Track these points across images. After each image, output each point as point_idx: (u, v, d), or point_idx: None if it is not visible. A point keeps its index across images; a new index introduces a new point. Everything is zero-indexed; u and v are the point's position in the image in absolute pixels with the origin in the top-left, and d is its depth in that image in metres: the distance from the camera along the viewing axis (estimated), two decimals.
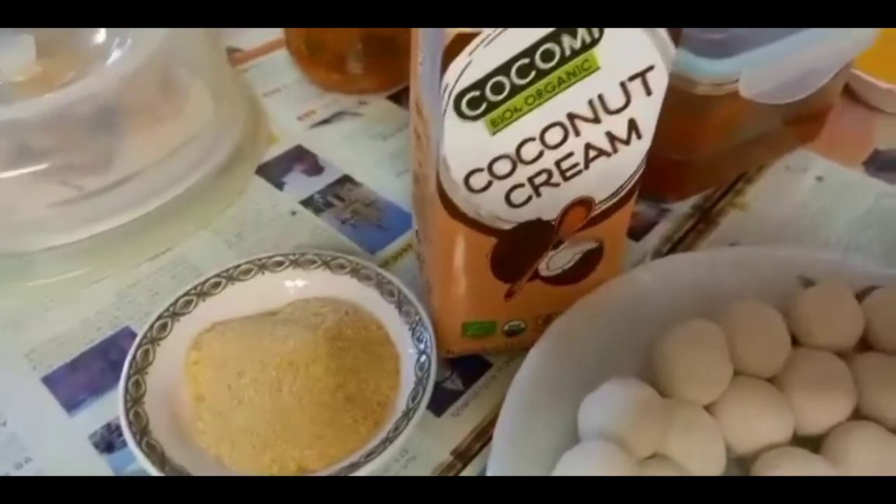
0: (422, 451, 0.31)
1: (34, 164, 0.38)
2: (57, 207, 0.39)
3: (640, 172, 0.29)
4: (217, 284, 0.33)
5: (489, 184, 0.27)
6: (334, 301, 0.33)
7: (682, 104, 0.38)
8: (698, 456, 0.28)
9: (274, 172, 0.45)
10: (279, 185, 0.44)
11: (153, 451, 0.27)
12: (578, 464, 0.26)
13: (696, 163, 0.42)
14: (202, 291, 0.33)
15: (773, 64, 0.37)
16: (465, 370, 0.34)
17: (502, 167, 0.27)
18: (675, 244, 0.42)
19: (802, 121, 0.46)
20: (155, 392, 0.29)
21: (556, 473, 0.26)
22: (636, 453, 0.27)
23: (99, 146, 0.41)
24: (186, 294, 0.33)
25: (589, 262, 0.31)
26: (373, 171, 0.45)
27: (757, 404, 0.29)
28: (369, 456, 0.27)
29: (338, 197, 0.44)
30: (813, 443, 0.29)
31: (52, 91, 0.39)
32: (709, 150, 0.42)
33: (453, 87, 0.24)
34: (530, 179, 0.27)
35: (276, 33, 0.56)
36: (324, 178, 0.45)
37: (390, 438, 0.28)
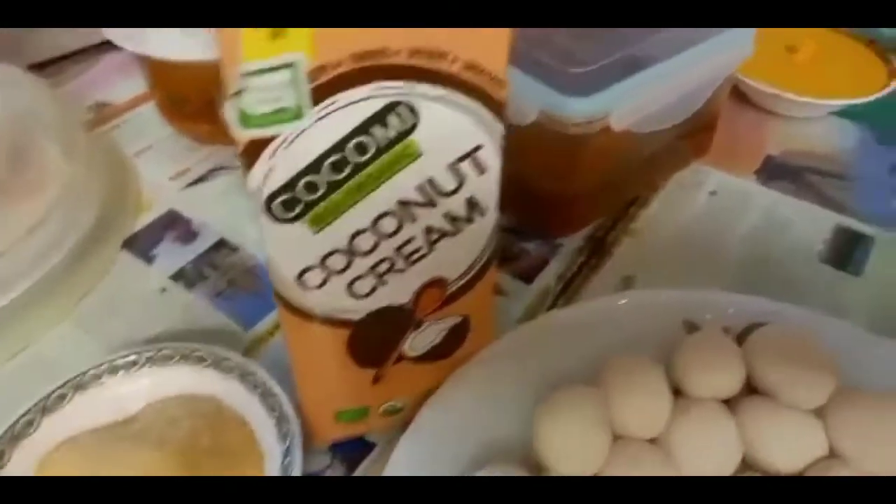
0: None
1: None
2: None
3: (491, 247, 0.27)
4: (63, 397, 0.31)
5: (325, 280, 0.25)
6: (194, 400, 0.31)
7: (557, 143, 0.37)
8: None
9: (143, 245, 0.42)
10: (149, 259, 0.42)
11: None
12: None
13: (580, 196, 0.41)
14: (46, 407, 0.30)
15: (644, 94, 0.36)
16: (346, 454, 0.32)
17: (337, 262, 0.24)
18: (569, 282, 0.40)
19: (691, 136, 0.45)
20: None
21: None
22: None
23: None
24: (27, 413, 0.30)
25: (457, 335, 0.30)
26: (252, 231, 0.43)
27: (637, 471, 0.28)
28: None
29: (212, 266, 0.41)
30: None
31: None
32: (591, 182, 0.40)
33: (262, 190, 0.22)
34: (372, 269, 0.25)
35: (144, 85, 0.52)
36: (198, 246, 0.42)
37: None
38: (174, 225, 0.44)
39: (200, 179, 0.47)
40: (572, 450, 0.28)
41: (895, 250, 0.42)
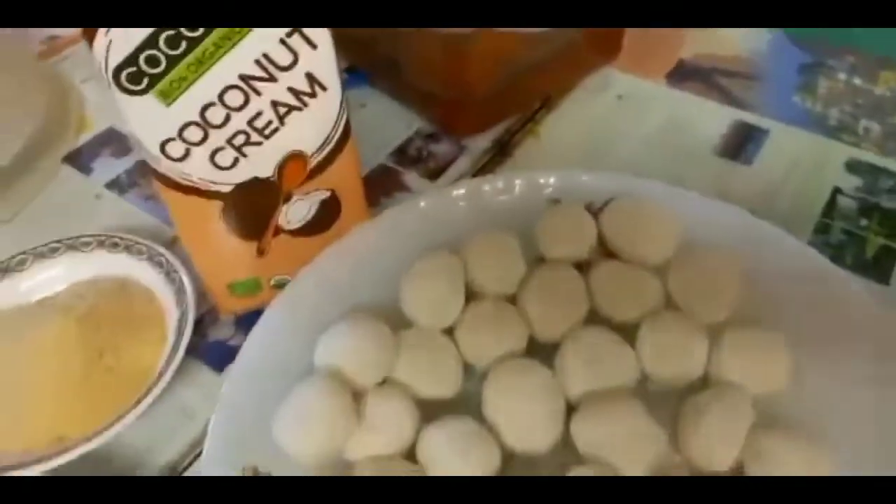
0: (201, 407, 0.33)
1: None
2: None
3: (342, 121, 0.30)
4: None
5: (187, 151, 0.28)
6: (105, 279, 0.35)
7: (443, 45, 0.39)
8: (427, 376, 0.30)
9: (83, 159, 0.46)
10: (87, 171, 0.45)
11: None
12: (295, 401, 0.28)
13: (478, 99, 0.43)
14: None
15: None
16: (248, 327, 0.36)
17: (193, 134, 0.28)
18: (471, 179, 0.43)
19: (596, 39, 0.47)
20: None
21: (283, 406, 0.27)
22: (361, 381, 0.29)
23: None
24: None
25: (329, 210, 0.33)
26: None
27: (488, 319, 0.31)
28: (120, 417, 0.29)
29: (143, 174, 0.45)
30: (555, 351, 0.31)
31: None
32: (488, 84, 0.43)
33: (106, 64, 0.25)
34: (229, 141, 0.28)
35: None
36: (131, 158, 0.46)
37: (140, 399, 0.29)
38: (112, 141, 0.47)
39: None
40: (431, 304, 0.31)
41: (787, 142, 0.44)
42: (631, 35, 0.49)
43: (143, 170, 0.45)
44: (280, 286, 0.35)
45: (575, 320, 0.31)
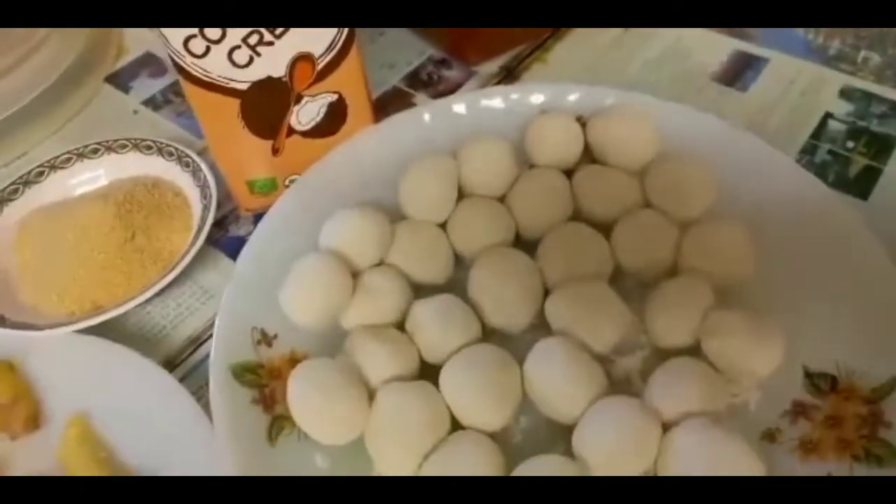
0: (219, 290, 0.36)
1: None
2: None
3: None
4: (41, 173, 0.39)
5: (208, 48, 0.31)
6: (140, 178, 0.39)
7: None
8: (420, 261, 0.33)
9: (122, 79, 0.50)
10: (126, 90, 0.49)
11: None
12: (298, 271, 0.31)
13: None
14: (28, 180, 0.39)
15: None
16: None
17: (213, 32, 0.31)
18: None
19: None
20: None
21: (288, 278, 0.31)
22: (358, 261, 0.32)
23: None
24: (13, 183, 0.38)
25: (336, 114, 0.36)
26: None
27: (478, 216, 0.34)
28: (148, 288, 0.33)
29: (176, 93, 0.48)
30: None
31: None
32: None
33: None
34: (244, 40, 0.32)
35: None
36: (167, 79, 0.50)
37: (165, 274, 0.33)
38: (149, 63, 0.51)
39: None
40: (426, 200, 0.34)
41: (784, 69, 0.45)
42: None
43: (176, 89, 0.48)
44: None
45: (558, 219, 0.34)
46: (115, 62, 0.51)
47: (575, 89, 0.38)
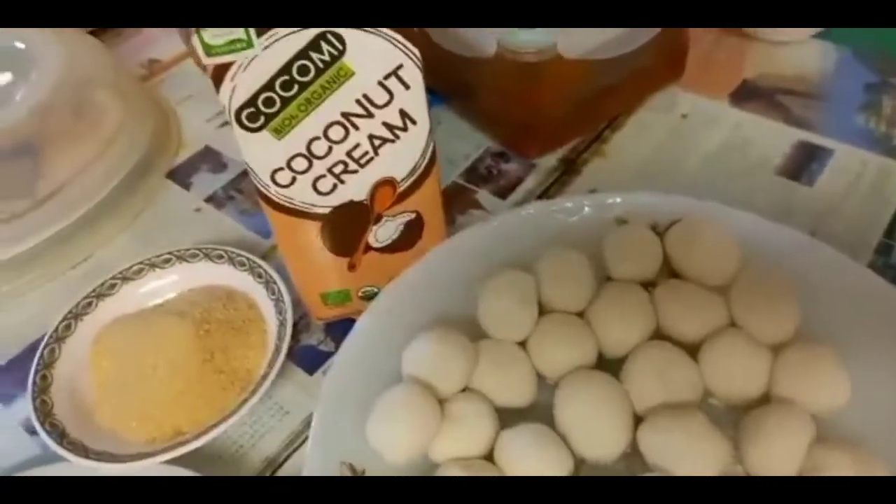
0: (295, 405, 0.37)
1: None
2: None
3: (429, 150, 0.33)
4: (113, 285, 0.39)
5: (293, 179, 0.32)
6: (213, 288, 0.39)
7: (516, 72, 0.42)
8: (503, 385, 0.32)
9: (183, 174, 0.51)
10: (187, 186, 0.50)
11: (54, 430, 0.33)
12: (386, 404, 0.31)
13: (548, 121, 0.46)
14: (101, 293, 0.39)
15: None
16: (336, 334, 0.40)
17: (300, 164, 0.31)
18: (539, 197, 0.46)
19: (661, 61, 0.49)
20: (61, 382, 0.35)
21: (374, 409, 0.31)
22: (443, 389, 0.32)
23: (21, 174, 0.47)
24: (87, 297, 0.39)
25: (413, 231, 0.36)
26: None
27: (559, 333, 0.34)
28: (229, 416, 0.33)
29: (238, 190, 0.49)
30: (621, 364, 0.33)
31: None
32: (557, 108, 0.45)
33: (230, 106, 0.29)
34: (329, 170, 0.32)
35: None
36: (227, 175, 0.50)
37: (246, 398, 0.33)
38: (208, 159, 0.52)
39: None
40: (506, 320, 0.34)
41: (849, 162, 0.45)
42: (695, 55, 0.51)
43: (238, 186, 0.49)
44: (368, 297, 0.38)
45: (642, 336, 0.34)
46: (176, 157, 0.52)
47: (648, 196, 0.38)
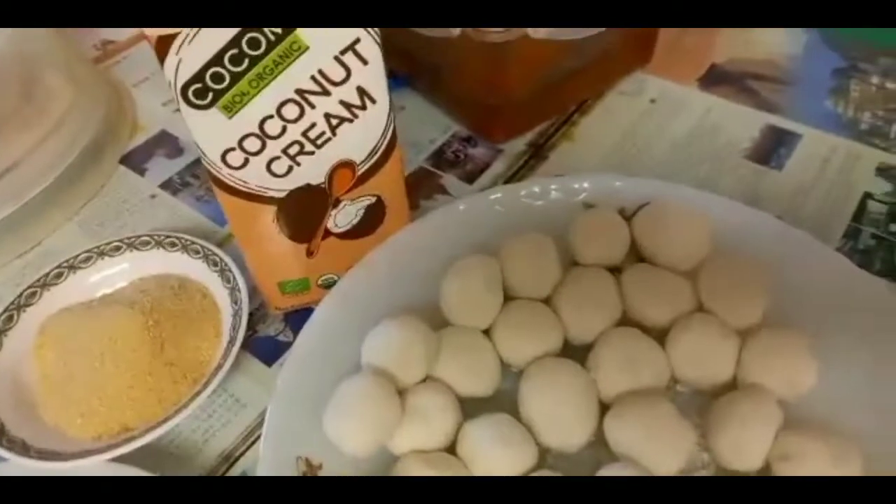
0: (252, 398, 0.35)
1: None
2: None
3: (390, 131, 0.32)
4: (60, 274, 0.37)
5: (246, 161, 0.30)
6: (165, 277, 0.37)
7: (482, 53, 0.41)
8: (466, 374, 0.31)
9: (137, 160, 0.49)
10: (141, 172, 0.48)
11: None
12: (343, 396, 0.29)
13: (515, 104, 0.45)
14: (46, 283, 0.37)
15: None
16: (295, 324, 0.38)
17: (252, 145, 0.30)
18: (506, 182, 0.45)
19: (630, 44, 0.48)
20: (2, 376, 0.33)
21: (328, 405, 0.29)
22: (404, 379, 0.30)
23: None
24: (31, 286, 0.37)
25: (374, 215, 0.35)
26: None
27: (524, 321, 0.33)
28: (180, 409, 0.31)
29: (195, 176, 0.47)
30: (588, 350, 0.32)
31: None
32: (524, 90, 0.44)
33: (175, 82, 0.27)
34: (284, 151, 0.30)
35: None
36: (184, 160, 0.48)
37: (199, 391, 0.32)
38: (164, 143, 0.50)
39: None
40: (469, 305, 0.33)
41: (818, 146, 0.45)
42: (663, 39, 0.50)
43: (194, 171, 0.47)
44: (327, 285, 0.37)
45: (608, 323, 0.33)
46: (130, 141, 0.50)
47: (616, 179, 0.37)
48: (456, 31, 0.40)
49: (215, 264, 0.37)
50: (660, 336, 0.32)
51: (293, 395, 0.31)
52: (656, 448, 0.28)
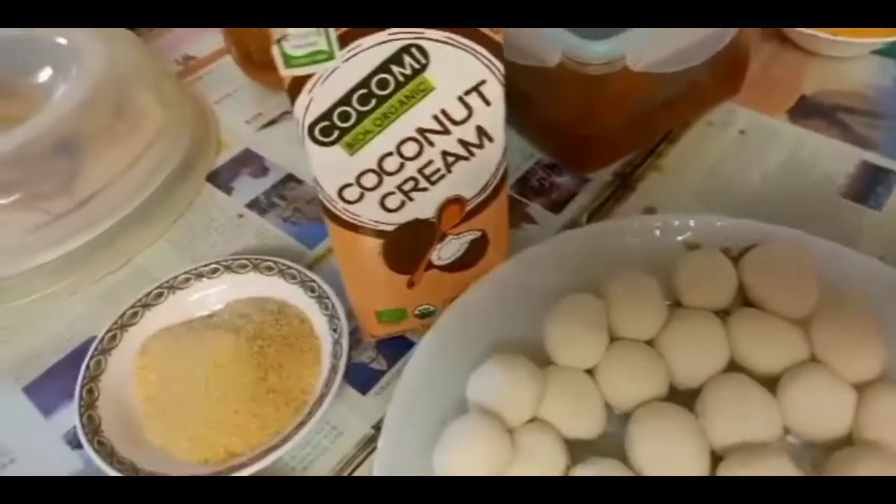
0: (348, 426, 0.36)
1: (6, 196, 0.42)
2: (30, 233, 0.43)
3: (502, 168, 0.32)
4: (160, 295, 0.38)
5: (361, 195, 0.30)
6: (263, 300, 0.37)
7: (579, 84, 0.40)
8: (573, 416, 0.31)
9: (223, 178, 0.49)
10: (228, 190, 0.48)
11: (103, 448, 0.32)
12: (455, 434, 0.29)
13: (606, 135, 0.44)
14: (147, 303, 0.37)
15: (658, 38, 0.39)
16: (388, 351, 0.38)
17: (369, 180, 0.30)
18: (593, 213, 0.44)
19: (720, 76, 0.48)
20: (108, 395, 0.34)
21: (438, 444, 0.29)
22: (512, 419, 0.30)
23: (61, 172, 0.45)
24: (133, 306, 0.37)
25: (477, 249, 0.35)
26: None
27: (631, 363, 0.32)
28: (286, 439, 0.31)
29: (281, 197, 0.47)
30: (694, 394, 0.32)
31: (11, 129, 0.43)
32: (616, 121, 0.44)
33: (304, 120, 0.27)
34: (399, 187, 0.30)
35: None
36: (269, 179, 0.49)
37: (304, 421, 0.32)
38: (249, 162, 0.50)
39: (272, 122, 0.53)
40: (574, 346, 0.33)
41: None
42: (753, 70, 0.49)
43: (280, 192, 0.48)
44: (423, 315, 0.37)
45: (716, 368, 0.32)
46: (215, 159, 0.50)
47: (718, 221, 0.37)
48: (554, 61, 0.40)
49: (313, 290, 0.37)
50: (768, 384, 0.31)
51: (401, 433, 0.31)
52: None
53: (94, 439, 0.32)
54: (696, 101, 0.48)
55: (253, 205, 0.47)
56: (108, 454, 0.31)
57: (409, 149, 0.29)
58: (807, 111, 0.49)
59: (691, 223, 0.37)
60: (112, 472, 0.31)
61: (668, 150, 0.48)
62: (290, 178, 0.49)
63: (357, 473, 0.34)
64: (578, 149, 0.45)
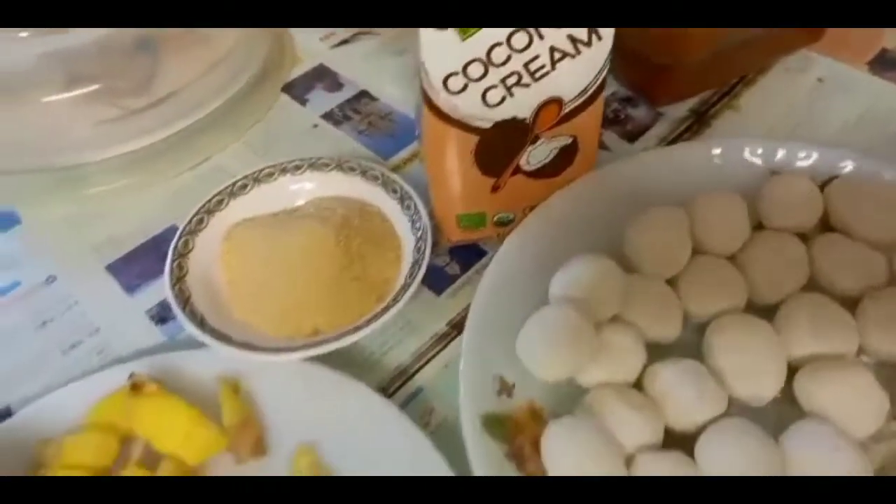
0: (422, 323, 0.36)
1: (83, 87, 0.43)
2: (105, 125, 0.44)
3: (604, 72, 0.32)
4: (245, 186, 0.39)
5: (465, 86, 0.31)
6: (345, 199, 0.38)
7: None
8: (653, 319, 0.32)
9: (298, 90, 0.50)
10: (303, 102, 0.49)
11: (194, 317, 0.33)
12: (542, 323, 0.30)
13: (685, 67, 0.44)
14: (233, 192, 0.38)
15: None
16: (462, 257, 0.39)
17: (475, 70, 0.30)
18: (669, 144, 0.44)
19: None
20: (195, 273, 0.35)
21: (521, 332, 0.30)
22: (596, 315, 0.31)
23: (140, 70, 0.46)
24: (219, 193, 0.38)
25: (566, 156, 0.35)
26: (388, 87, 0.49)
27: (711, 276, 0.33)
28: (370, 321, 0.32)
29: (355, 111, 0.48)
30: (770, 311, 0.32)
31: None
32: (697, 54, 0.44)
33: None
34: (502, 81, 0.31)
35: None
36: (343, 94, 0.49)
37: (388, 307, 0.33)
38: (323, 77, 0.51)
39: (345, 41, 0.53)
40: (656, 254, 0.33)
41: None
42: None
43: (355, 106, 0.48)
44: (501, 223, 0.38)
45: (796, 286, 0.33)
46: (290, 72, 0.51)
47: (810, 148, 0.37)
48: None
49: (395, 191, 0.38)
50: (847, 306, 0.32)
51: (486, 322, 0.32)
52: (852, 410, 0.28)
53: (186, 308, 0.33)
54: (777, 44, 0.48)
55: (328, 116, 0.48)
56: (199, 323, 0.33)
57: (519, 40, 0.29)
58: (888, 64, 0.49)
59: (779, 150, 0.37)
60: (204, 338, 0.32)
61: (745, 91, 0.48)
62: (363, 94, 0.49)
63: (429, 367, 0.35)
64: (656, 79, 0.45)
